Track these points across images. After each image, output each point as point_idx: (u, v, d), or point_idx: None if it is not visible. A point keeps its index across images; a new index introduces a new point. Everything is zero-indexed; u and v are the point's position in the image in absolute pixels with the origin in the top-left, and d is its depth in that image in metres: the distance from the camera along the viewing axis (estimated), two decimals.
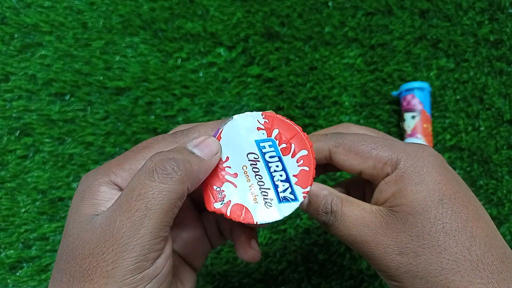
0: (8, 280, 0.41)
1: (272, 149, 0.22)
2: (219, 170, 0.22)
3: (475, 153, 0.46)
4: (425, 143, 0.44)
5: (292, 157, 0.22)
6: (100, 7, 0.49)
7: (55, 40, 0.48)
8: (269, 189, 0.22)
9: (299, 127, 0.22)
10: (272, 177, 0.22)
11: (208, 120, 0.44)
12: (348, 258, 0.43)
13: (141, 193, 0.19)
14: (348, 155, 0.26)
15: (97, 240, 0.20)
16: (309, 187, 0.22)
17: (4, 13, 0.48)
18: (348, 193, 0.31)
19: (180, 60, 0.48)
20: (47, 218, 0.43)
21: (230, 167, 0.22)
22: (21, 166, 0.44)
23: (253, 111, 0.23)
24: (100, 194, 0.21)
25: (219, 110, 0.47)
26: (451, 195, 0.23)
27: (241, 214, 0.22)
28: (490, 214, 0.43)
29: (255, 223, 0.21)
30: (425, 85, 0.45)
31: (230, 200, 0.22)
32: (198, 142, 0.22)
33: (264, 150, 0.22)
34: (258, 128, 0.22)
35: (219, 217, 0.29)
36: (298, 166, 0.22)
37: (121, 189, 0.22)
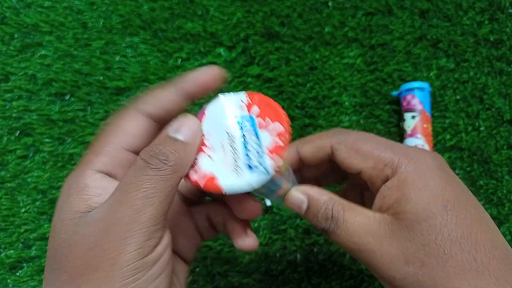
0: (8, 280, 0.41)
1: (250, 124, 0.23)
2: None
3: (475, 153, 0.46)
4: (425, 144, 0.44)
5: (268, 132, 0.23)
6: (100, 7, 0.49)
7: (55, 40, 0.48)
8: (242, 162, 0.23)
9: (278, 104, 0.23)
10: (246, 152, 0.23)
11: None
12: (348, 258, 0.43)
13: (138, 185, 0.20)
14: (350, 152, 0.26)
15: (98, 232, 0.20)
16: (282, 162, 0.22)
17: (4, 13, 0.48)
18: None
19: (180, 60, 0.48)
20: (47, 218, 0.43)
21: (209, 141, 0.23)
22: (21, 166, 0.44)
23: (239, 92, 0.24)
24: (89, 189, 0.22)
25: None
26: (455, 201, 0.23)
27: (212, 184, 0.22)
28: (490, 214, 0.43)
29: (224, 193, 0.22)
30: (425, 85, 0.45)
31: (205, 173, 0.23)
32: (178, 126, 0.22)
33: (243, 126, 0.23)
34: (240, 106, 0.23)
35: (210, 210, 0.29)
36: (273, 141, 0.22)
37: (105, 173, 0.23)
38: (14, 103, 0.46)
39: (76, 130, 0.45)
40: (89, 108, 0.46)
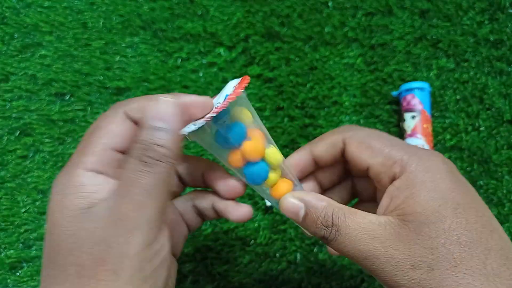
0: (8, 280, 0.41)
1: (227, 93, 0.25)
2: None
3: (475, 153, 0.46)
4: (425, 144, 0.44)
5: (229, 94, 0.25)
6: (100, 7, 0.49)
7: (55, 40, 0.48)
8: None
9: (244, 80, 0.25)
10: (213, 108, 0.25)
11: None
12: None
13: (139, 182, 0.21)
14: (360, 147, 0.26)
15: (104, 227, 0.21)
16: (220, 105, 0.24)
17: (4, 13, 0.48)
18: (356, 190, 0.31)
19: (180, 60, 0.48)
20: None
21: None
22: (21, 166, 0.44)
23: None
24: (85, 187, 0.22)
25: None
26: (465, 205, 0.22)
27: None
28: None
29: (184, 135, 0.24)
30: (425, 85, 0.45)
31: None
32: (156, 113, 0.22)
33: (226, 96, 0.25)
34: (234, 87, 0.25)
35: (196, 199, 0.30)
36: (227, 99, 0.24)
37: (97, 171, 0.23)
38: (14, 103, 0.46)
39: (76, 130, 0.45)
40: (89, 108, 0.46)
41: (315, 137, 0.46)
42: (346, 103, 0.48)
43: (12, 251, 0.42)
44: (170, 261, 0.27)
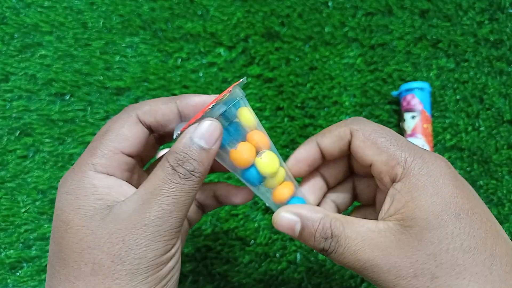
0: (8, 280, 0.41)
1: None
2: None
3: (475, 153, 0.46)
4: (425, 144, 0.44)
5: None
6: (100, 7, 0.49)
7: (55, 40, 0.48)
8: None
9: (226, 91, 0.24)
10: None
11: None
12: None
13: (169, 192, 0.22)
14: (366, 142, 0.25)
15: (126, 228, 0.22)
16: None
17: (4, 13, 0.48)
18: (357, 192, 0.30)
19: (180, 60, 0.48)
20: (47, 218, 0.43)
21: None
22: (21, 166, 0.44)
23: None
24: (97, 189, 0.23)
25: None
26: (468, 210, 0.22)
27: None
28: None
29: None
30: (425, 85, 0.45)
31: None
32: (203, 132, 0.23)
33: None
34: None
35: (198, 193, 0.30)
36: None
37: (107, 173, 0.24)
38: (14, 103, 0.46)
39: (76, 130, 0.45)
40: (89, 108, 0.46)
41: None
42: (346, 103, 0.48)
43: (12, 251, 0.42)
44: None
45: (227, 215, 0.44)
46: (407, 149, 0.24)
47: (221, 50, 0.49)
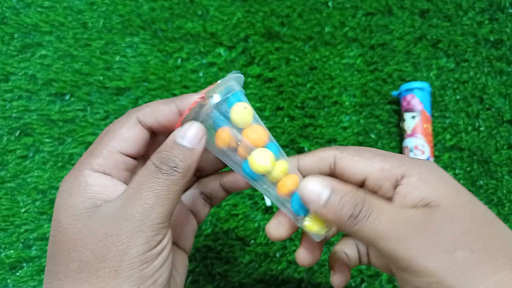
0: (8, 280, 0.41)
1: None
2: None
3: (475, 153, 0.46)
4: (425, 144, 0.44)
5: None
6: (100, 7, 0.49)
7: (55, 40, 0.48)
8: None
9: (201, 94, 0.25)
10: None
11: None
12: None
13: (151, 186, 0.22)
14: (353, 158, 0.25)
15: (109, 225, 0.22)
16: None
17: (4, 13, 0.48)
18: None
19: (180, 60, 0.48)
20: (47, 218, 0.43)
21: None
22: (21, 166, 0.44)
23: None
24: (90, 187, 0.23)
25: None
26: (473, 196, 0.24)
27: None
28: None
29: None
30: (425, 85, 0.45)
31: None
32: (185, 132, 0.24)
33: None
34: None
35: (202, 186, 0.30)
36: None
37: (103, 173, 0.24)
38: (14, 103, 0.46)
39: (76, 130, 0.45)
40: (89, 108, 0.46)
41: (315, 137, 0.46)
42: (346, 103, 0.48)
43: (12, 251, 0.42)
44: (177, 261, 0.28)
45: (227, 215, 0.44)
46: (394, 156, 0.25)
47: (221, 50, 0.49)
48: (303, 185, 0.24)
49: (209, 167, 0.30)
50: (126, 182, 0.25)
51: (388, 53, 0.49)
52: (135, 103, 0.46)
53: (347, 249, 0.31)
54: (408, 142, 0.45)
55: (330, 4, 0.50)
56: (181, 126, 0.24)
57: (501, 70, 0.48)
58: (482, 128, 0.47)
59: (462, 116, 0.47)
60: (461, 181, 0.46)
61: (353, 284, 0.43)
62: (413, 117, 0.45)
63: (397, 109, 0.48)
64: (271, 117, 0.47)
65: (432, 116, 0.47)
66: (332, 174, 0.27)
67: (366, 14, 0.50)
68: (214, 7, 0.49)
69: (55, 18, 0.48)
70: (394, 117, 0.48)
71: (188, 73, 0.48)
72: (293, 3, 0.50)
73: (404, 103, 0.46)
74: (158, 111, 0.25)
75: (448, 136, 0.47)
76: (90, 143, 0.45)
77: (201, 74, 0.48)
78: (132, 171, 0.26)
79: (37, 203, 0.43)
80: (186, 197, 0.30)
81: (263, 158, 0.25)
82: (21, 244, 0.42)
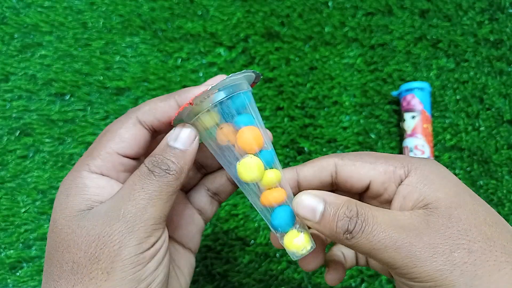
0: (8, 280, 0.41)
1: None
2: None
3: (475, 153, 0.46)
4: (425, 144, 0.44)
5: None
6: (100, 7, 0.49)
7: (55, 40, 0.48)
8: None
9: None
10: None
11: None
12: None
13: (143, 187, 0.22)
14: (356, 164, 0.25)
15: (102, 226, 0.22)
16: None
17: (4, 13, 0.48)
18: None
19: (180, 60, 0.48)
20: (47, 218, 0.43)
21: None
22: (21, 166, 0.44)
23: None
24: (88, 189, 0.23)
25: None
26: (474, 193, 0.23)
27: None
28: None
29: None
30: (425, 85, 0.45)
31: None
32: (177, 135, 0.24)
33: None
34: None
35: (208, 182, 0.30)
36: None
37: (101, 174, 0.24)
38: (14, 103, 0.46)
39: (76, 130, 0.45)
40: (89, 108, 0.46)
41: (315, 137, 0.46)
42: (346, 103, 0.48)
43: (12, 251, 0.42)
44: (182, 261, 0.28)
45: (227, 215, 0.44)
46: (396, 157, 0.25)
47: (221, 50, 0.49)
48: (296, 203, 0.24)
49: (214, 162, 0.30)
50: None
51: (388, 53, 0.49)
52: (135, 103, 0.46)
53: (345, 249, 0.31)
54: (408, 142, 0.45)
55: (330, 4, 0.50)
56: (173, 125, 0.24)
57: (501, 70, 0.48)
58: (482, 128, 0.47)
59: (462, 116, 0.47)
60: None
61: (353, 284, 0.43)
62: (413, 117, 0.45)
63: (397, 109, 0.48)
64: (271, 117, 0.47)
65: (432, 116, 0.47)
66: (334, 182, 0.26)
67: (366, 14, 0.50)
68: (214, 7, 0.49)
69: (55, 18, 0.48)
70: (394, 117, 0.48)
71: (188, 73, 0.48)
72: (293, 3, 0.50)
73: (404, 103, 0.46)
74: (157, 108, 0.25)
75: (448, 136, 0.47)
76: (90, 143, 0.45)
77: (201, 74, 0.48)
78: (131, 172, 0.26)
79: (37, 203, 0.43)
80: (192, 195, 0.30)
81: (250, 169, 0.24)
82: (21, 244, 0.42)
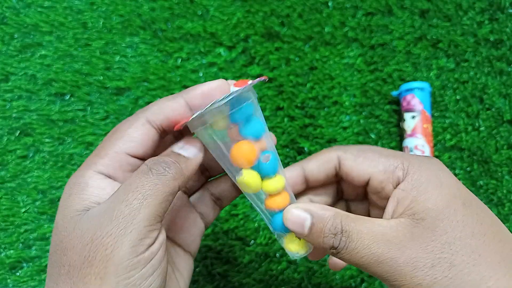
0: (8, 280, 0.41)
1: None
2: None
3: (475, 153, 0.46)
4: (425, 144, 0.44)
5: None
6: (100, 7, 0.49)
7: (55, 40, 0.48)
8: None
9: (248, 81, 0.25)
10: None
11: None
12: None
13: (138, 186, 0.22)
14: (357, 159, 0.25)
15: (95, 228, 0.21)
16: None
17: (4, 13, 0.48)
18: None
19: (180, 60, 0.48)
20: (47, 218, 0.43)
21: None
22: (21, 166, 0.44)
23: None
24: (88, 189, 0.23)
25: None
26: (472, 200, 0.23)
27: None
28: None
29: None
30: (425, 85, 0.45)
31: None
32: (183, 144, 0.24)
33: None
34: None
35: (212, 187, 0.30)
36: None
37: (106, 175, 0.23)
38: (14, 103, 0.46)
39: (76, 130, 0.45)
40: (89, 108, 0.46)
41: (315, 137, 0.46)
42: (346, 103, 0.48)
43: (12, 251, 0.42)
44: (181, 264, 0.28)
45: (227, 215, 0.44)
46: (398, 155, 0.25)
47: (221, 50, 0.49)
48: (285, 217, 0.25)
49: (218, 165, 0.29)
50: None
51: (388, 53, 0.49)
52: (135, 103, 0.46)
53: None
54: (408, 142, 0.45)
55: (330, 4, 0.50)
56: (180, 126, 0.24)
57: (501, 70, 0.48)
58: (482, 128, 0.47)
59: (462, 116, 0.47)
60: (461, 181, 0.46)
61: (353, 284, 0.43)
62: (413, 117, 0.45)
63: (397, 109, 0.48)
64: (271, 117, 0.47)
65: (432, 116, 0.47)
66: (338, 175, 0.27)
67: (366, 14, 0.50)
68: (214, 7, 0.49)
69: (55, 18, 0.48)
70: (394, 117, 0.48)
71: (188, 73, 0.48)
72: (293, 3, 0.50)
73: (404, 103, 0.46)
74: (166, 107, 0.24)
75: (448, 136, 0.47)
76: (90, 143, 0.45)
77: (201, 74, 0.48)
78: None
79: (37, 203, 0.43)
80: (194, 198, 0.30)
81: (248, 184, 0.25)
82: (21, 244, 0.42)
